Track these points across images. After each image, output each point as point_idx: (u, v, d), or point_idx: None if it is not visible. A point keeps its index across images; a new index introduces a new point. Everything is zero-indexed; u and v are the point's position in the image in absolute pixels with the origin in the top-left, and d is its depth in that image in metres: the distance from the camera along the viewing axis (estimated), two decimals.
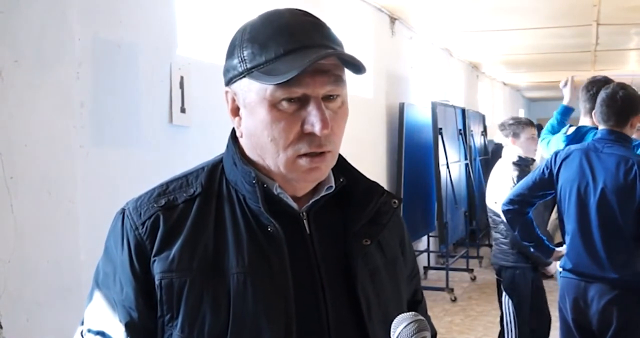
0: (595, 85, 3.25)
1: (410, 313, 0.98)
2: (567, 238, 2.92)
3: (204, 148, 3.06)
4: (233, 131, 1.10)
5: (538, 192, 3.01)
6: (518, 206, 3.05)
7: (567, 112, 3.79)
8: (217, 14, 3.53)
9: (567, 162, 2.90)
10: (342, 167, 1.11)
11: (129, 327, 1.01)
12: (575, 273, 2.87)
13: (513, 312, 4.01)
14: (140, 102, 2.76)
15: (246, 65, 0.99)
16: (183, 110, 3.00)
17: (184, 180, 1.08)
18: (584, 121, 3.37)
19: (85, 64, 2.45)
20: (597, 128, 3.04)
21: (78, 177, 2.42)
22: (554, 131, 3.73)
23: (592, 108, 3.16)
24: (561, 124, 3.75)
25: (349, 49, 1.01)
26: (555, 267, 3.46)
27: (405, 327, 0.95)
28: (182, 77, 2.99)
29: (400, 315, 0.97)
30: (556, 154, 2.97)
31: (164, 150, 2.88)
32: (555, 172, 2.93)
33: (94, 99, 2.50)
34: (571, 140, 3.34)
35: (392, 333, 0.96)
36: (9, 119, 2.14)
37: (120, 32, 2.64)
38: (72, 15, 2.40)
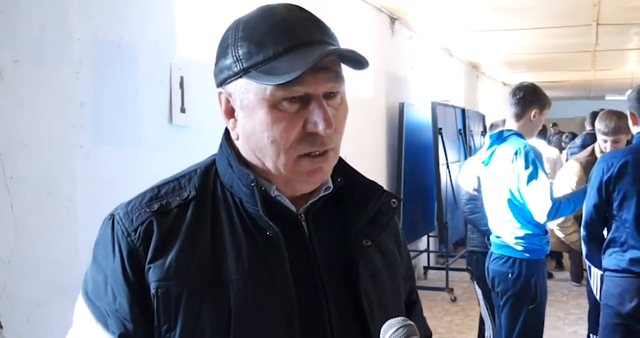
0: (522, 90, 3.25)
1: (400, 318, 0.96)
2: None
3: (204, 148, 3.03)
4: (226, 131, 1.05)
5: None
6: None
7: None
8: (217, 13, 3.52)
9: (625, 169, 2.86)
10: (340, 166, 1.07)
11: None
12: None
13: (484, 301, 3.92)
14: (140, 102, 2.75)
15: (242, 65, 0.95)
16: (183, 110, 3.00)
17: (176, 183, 1.04)
18: (510, 124, 3.31)
19: (85, 63, 2.45)
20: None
21: (78, 177, 2.42)
22: None
23: (518, 112, 3.23)
24: None
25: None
26: None
27: (395, 331, 0.94)
28: (182, 77, 2.98)
29: (389, 320, 0.96)
30: (607, 166, 2.90)
31: (164, 150, 2.88)
32: (612, 181, 2.89)
33: (94, 98, 2.50)
34: (494, 141, 3.32)
35: None
36: (9, 119, 2.14)
37: (120, 32, 2.64)
38: (72, 15, 2.40)
